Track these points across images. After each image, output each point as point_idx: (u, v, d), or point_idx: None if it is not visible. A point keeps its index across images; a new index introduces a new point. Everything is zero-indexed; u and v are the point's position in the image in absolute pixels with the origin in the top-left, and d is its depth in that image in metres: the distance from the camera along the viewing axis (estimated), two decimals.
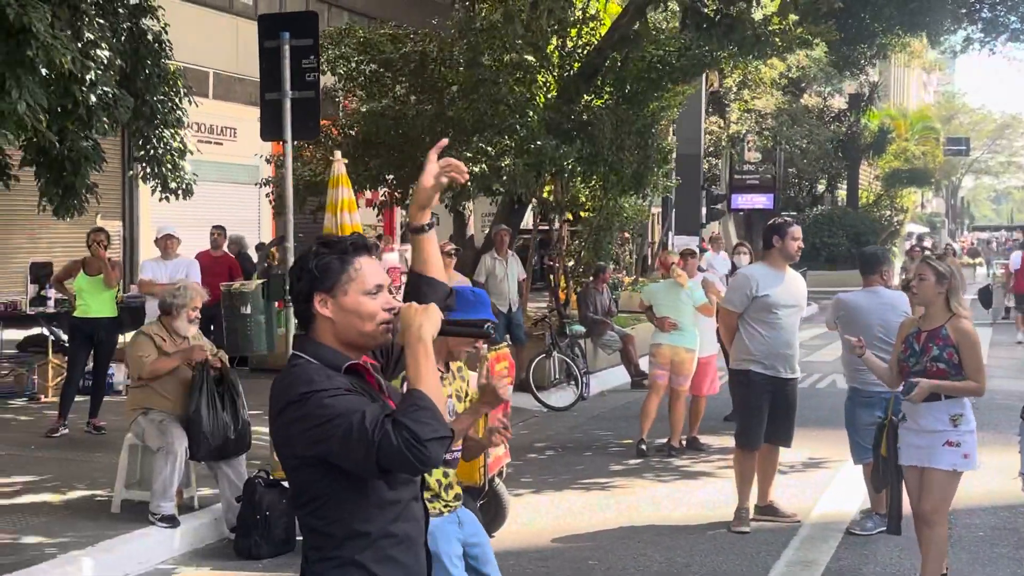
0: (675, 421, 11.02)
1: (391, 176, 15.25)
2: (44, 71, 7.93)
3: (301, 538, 3.25)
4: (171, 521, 7.87)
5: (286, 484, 7.82)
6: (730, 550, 7.75)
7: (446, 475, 5.09)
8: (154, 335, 8.28)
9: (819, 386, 15.65)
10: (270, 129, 10.20)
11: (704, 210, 26.76)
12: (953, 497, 6.37)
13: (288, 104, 9.67)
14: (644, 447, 10.92)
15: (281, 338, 10.73)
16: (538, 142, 13.34)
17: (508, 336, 14.18)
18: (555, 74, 15.36)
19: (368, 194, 16.98)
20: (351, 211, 8.04)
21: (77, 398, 11.19)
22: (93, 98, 8.94)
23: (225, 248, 15.19)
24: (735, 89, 27.17)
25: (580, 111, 14.65)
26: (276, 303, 10.26)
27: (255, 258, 17.66)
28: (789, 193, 37.11)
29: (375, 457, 2.91)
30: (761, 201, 31.34)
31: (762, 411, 8.24)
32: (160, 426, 8.06)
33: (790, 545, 7.84)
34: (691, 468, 10.45)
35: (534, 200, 16.25)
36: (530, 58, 14.51)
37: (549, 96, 15.06)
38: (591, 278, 15.93)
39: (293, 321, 9.42)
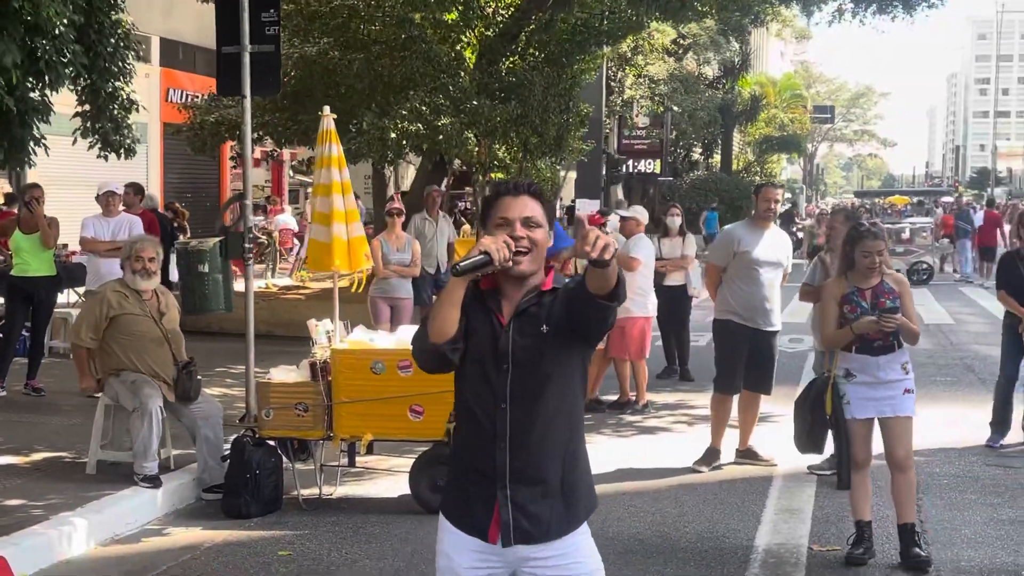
0: (620, 380, 11.22)
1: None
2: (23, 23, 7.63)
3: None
4: (154, 482, 7.74)
5: (272, 443, 7.83)
6: (714, 500, 7.99)
7: None
8: (111, 295, 8.09)
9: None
10: (227, 84, 9.98)
11: (604, 174, 27.09)
12: None
13: (247, 59, 9.49)
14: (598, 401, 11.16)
15: (240, 297, 10.53)
16: (473, 102, 13.33)
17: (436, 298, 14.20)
18: (477, 34, 15.35)
19: (287, 153, 16.72)
20: (341, 168, 7.97)
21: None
22: (53, 51, 8.64)
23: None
24: (629, 55, 27.53)
25: (505, 72, 14.68)
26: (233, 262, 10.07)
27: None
28: (668, 159, 37.74)
29: None
30: (649, 166, 31.87)
31: (739, 358, 8.73)
32: (132, 386, 7.92)
33: (771, 495, 8.12)
34: (645, 424, 10.68)
35: (457, 161, 16.23)
36: (452, 16, 14.47)
37: (472, 56, 15.04)
38: None
39: (254, 282, 9.35)
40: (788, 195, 72.08)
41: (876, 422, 6.55)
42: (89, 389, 8.29)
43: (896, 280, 6.59)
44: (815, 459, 8.76)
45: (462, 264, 3.36)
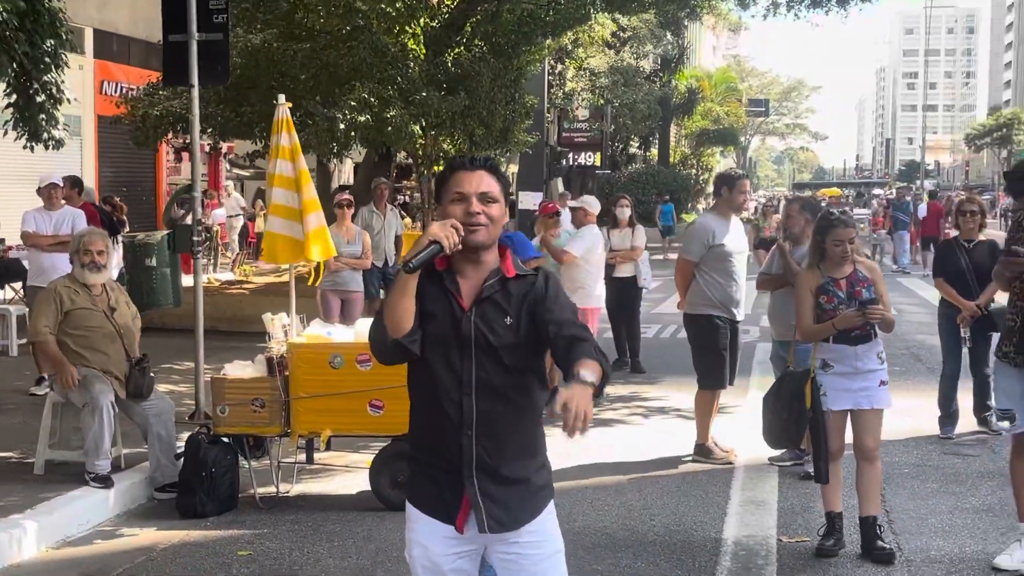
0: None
1: (263, 124, 14.74)
2: None
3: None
4: (106, 481, 7.53)
5: (227, 440, 7.64)
6: (678, 492, 7.93)
7: None
8: (61, 290, 7.84)
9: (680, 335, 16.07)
10: (174, 74, 9.76)
11: (546, 167, 27.02)
12: None
13: (195, 47, 9.28)
14: None
15: (188, 292, 10.31)
16: (422, 93, 13.16)
17: (384, 291, 14.04)
18: (422, 25, 15.17)
19: (224, 146, 16.44)
20: (295, 158, 7.79)
21: None
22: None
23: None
24: (569, 47, 27.45)
25: (451, 63, 14.54)
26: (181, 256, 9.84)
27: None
28: (608, 152, 37.77)
29: None
30: (589, 159, 31.86)
31: (726, 352, 8.69)
32: (83, 382, 7.67)
33: (734, 486, 8.07)
34: (599, 416, 10.59)
35: (403, 153, 16.06)
36: (396, 6, 14.27)
37: (419, 47, 14.87)
38: None
39: (203, 276, 9.14)
40: None
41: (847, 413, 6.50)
42: (71, 378, 7.74)
43: (868, 267, 6.57)
44: (776, 450, 8.79)
45: (414, 261, 3.29)
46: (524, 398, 3.49)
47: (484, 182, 3.44)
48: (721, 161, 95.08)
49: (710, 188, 59.88)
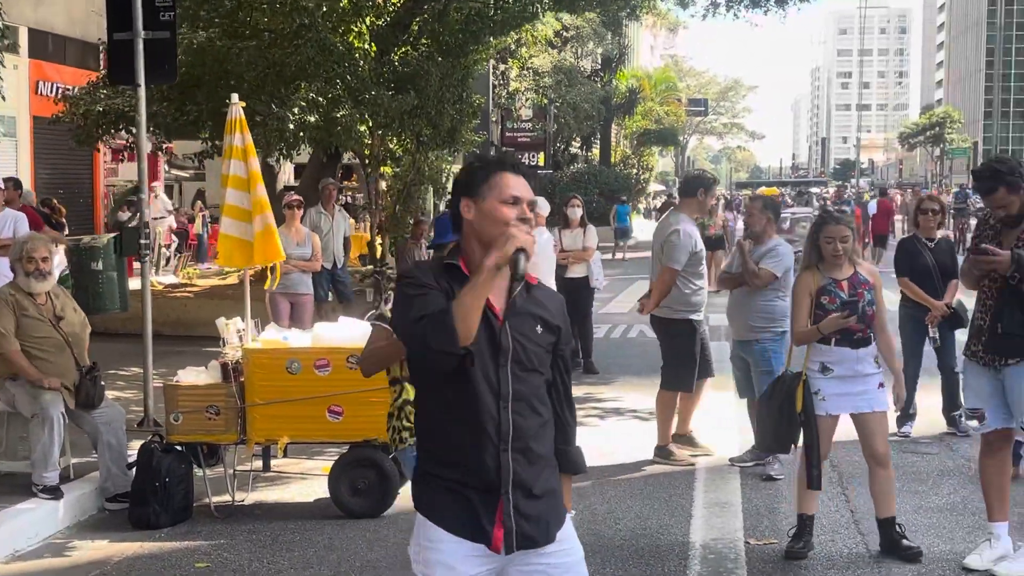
0: None
1: (210, 123, 14.48)
2: None
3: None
4: (55, 492, 7.30)
5: (181, 448, 7.43)
6: (641, 495, 7.85)
7: None
8: (7, 298, 7.58)
9: (630, 335, 16.08)
10: (120, 73, 9.55)
11: None
12: None
13: (141, 45, 9.07)
14: None
15: (136, 296, 10.07)
16: (372, 92, 12.99)
17: (333, 294, 13.86)
18: (368, 23, 15.00)
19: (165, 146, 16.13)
20: (248, 159, 7.61)
21: None
22: None
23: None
24: (513, 47, 27.31)
25: (399, 62, 14.38)
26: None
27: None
28: (550, 151, 37.73)
29: None
30: (533, 159, 31.78)
31: (699, 355, 8.73)
32: (32, 391, 7.43)
33: (696, 488, 8.01)
34: None
35: (351, 153, 15.87)
36: (341, 4, 14.10)
37: (370, 45, 14.70)
38: (411, 233, 15.69)
39: (150, 278, 8.92)
40: (662, 187, 73.05)
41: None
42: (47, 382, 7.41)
43: (869, 271, 6.49)
44: (737, 451, 8.76)
45: (520, 272, 3.22)
46: (545, 408, 3.44)
47: (530, 191, 3.37)
48: (660, 161, 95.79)
49: (651, 188, 60.27)
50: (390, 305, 4.90)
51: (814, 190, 58.22)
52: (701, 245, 8.77)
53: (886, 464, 6.46)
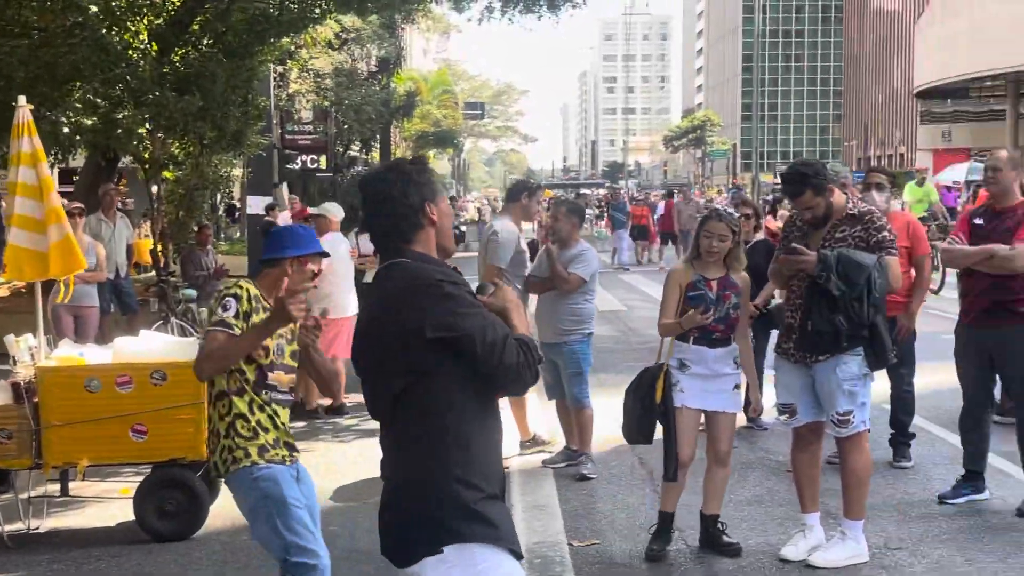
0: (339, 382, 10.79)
1: None
2: None
3: None
4: None
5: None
6: None
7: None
8: None
9: None
10: None
11: (276, 171, 26.28)
12: None
13: None
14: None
15: None
16: (156, 93, 12.46)
17: (116, 305, 13.22)
18: (147, 23, 14.42)
19: None
20: (37, 164, 7.14)
21: None
22: None
23: None
24: (292, 48, 26.80)
25: (181, 63, 13.87)
26: None
27: None
28: (332, 154, 37.26)
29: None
30: (314, 162, 31.33)
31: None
32: None
33: (513, 491, 7.89)
34: (365, 427, 10.30)
35: (130, 157, 15.20)
36: (115, 3, 13.50)
37: (150, 44, 14.10)
38: (195, 239, 15.16)
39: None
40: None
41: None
42: None
43: (741, 278, 6.54)
44: (548, 454, 8.82)
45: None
46: None
47: None
48: (437, 163, 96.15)
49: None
50: (229, 312, 4.68)
51: (585, 191, 59.66)
52: (524, 246, 8.82)
53: (726, 463, 6.61)
